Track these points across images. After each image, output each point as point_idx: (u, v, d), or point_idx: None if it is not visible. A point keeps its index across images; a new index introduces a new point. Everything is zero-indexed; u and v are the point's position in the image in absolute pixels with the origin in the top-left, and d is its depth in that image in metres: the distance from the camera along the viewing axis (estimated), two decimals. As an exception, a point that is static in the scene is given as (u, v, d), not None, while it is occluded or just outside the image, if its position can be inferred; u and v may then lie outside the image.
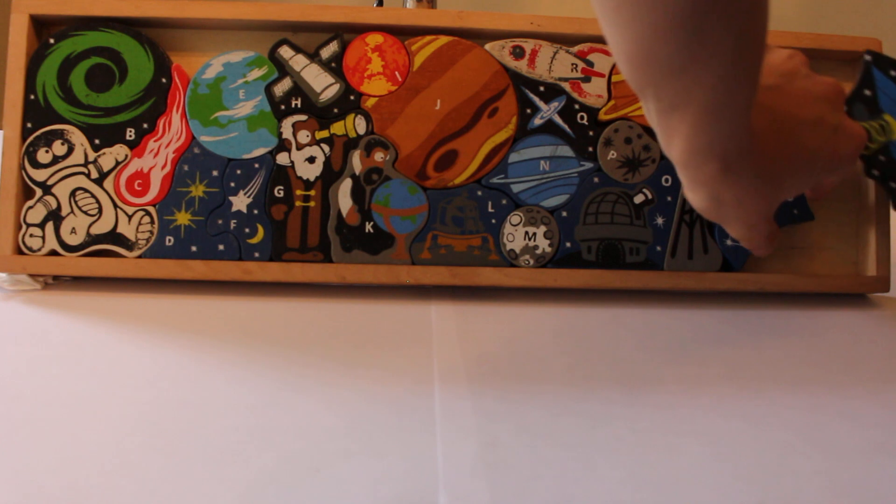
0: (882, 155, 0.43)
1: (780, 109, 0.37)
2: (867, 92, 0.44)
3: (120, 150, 0.43)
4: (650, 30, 0.31)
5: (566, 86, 0.45)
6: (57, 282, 0.44)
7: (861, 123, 0.42)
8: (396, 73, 0.44)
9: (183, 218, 0.43)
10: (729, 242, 0.45)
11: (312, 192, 0.44)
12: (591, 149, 0.45)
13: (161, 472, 0.25)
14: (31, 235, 0.42)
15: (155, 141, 0.43)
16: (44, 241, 0.42)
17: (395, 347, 0.37)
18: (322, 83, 0.44)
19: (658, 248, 0.44)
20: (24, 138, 0.43)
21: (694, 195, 0.37)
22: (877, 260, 0.46)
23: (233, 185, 0.43)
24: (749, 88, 0.33)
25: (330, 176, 0.44)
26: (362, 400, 0.31)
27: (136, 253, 0.43)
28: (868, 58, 0.44)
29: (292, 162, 0.44)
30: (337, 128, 0.44)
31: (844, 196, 0.47)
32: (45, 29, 0.44)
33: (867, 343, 0.40)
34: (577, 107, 0.45)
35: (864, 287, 0.46)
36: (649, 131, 0.45)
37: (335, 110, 0.44)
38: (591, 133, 0.45)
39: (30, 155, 0.43)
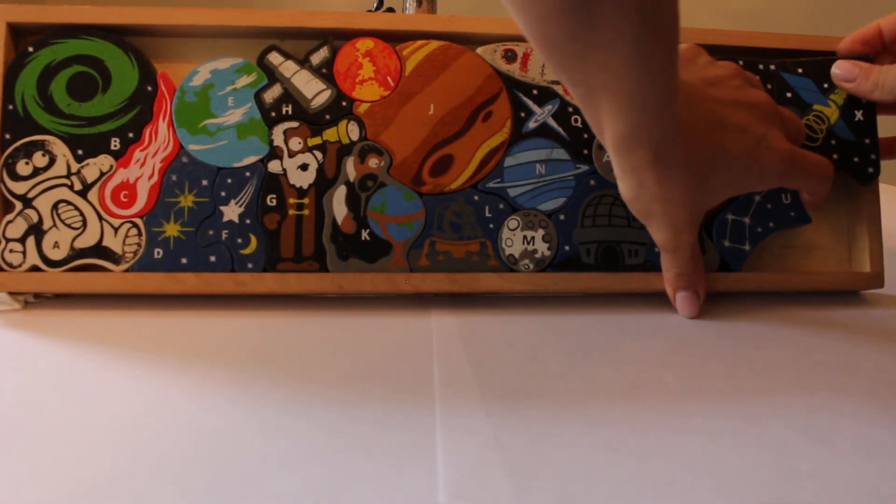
0: (832, 139, 0.46)
1: (712, 107, 0.38)
2: (788, 94, 0.46)
3: (104, 161, 0.41)
4: (540, 19, 0.32)
5: (559, 89, 0.45)
6: (38, 300, 0.42)
7: (801, 121, 0.45)
8: (388, 77, 0.44)
9: (172, 229, 0.41)
10: (727, 244, 0.45)
11: (306, 200, 0.42)
12: (586, 151, 0.45)
13: (156, 503, 0.24)
14: (10, 251, 0.40)
15: (141, 151, 0.42)
16: (24, 257, 0.40)
17: (393, 348, 0.36)
18: (313, 89, 0.43)
19: (656, 250, 0.44)
20: (2, 150, 0.41)
21: (622, 183, 0.38)
22: (870, 256, 0.46)
23: (223, 194, 0.42)
24: (663, 75, 0.33)
25: (323, 183, 0.43)
26: (360, 400, 0.30)
27: (123, 266, 0.41)
28: (773, 67, 0.47)
29: (284, 170, 0.42)
30: (329, 134, 0.43)
31: (835, 195, 0.48)
32: (22, 38, 0.43)
33: (863, 342, 0.40)
34: (570, 109, 0.45)
35: (859, 284, 0.47)
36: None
37: (327, 116, 0.43)
38: (585, 136, 0.45)
39: (8, 167, 0.41)
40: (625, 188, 0.38)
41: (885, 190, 0.49)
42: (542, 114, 0.45)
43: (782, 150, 0.40)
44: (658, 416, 0.30)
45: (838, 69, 0.46)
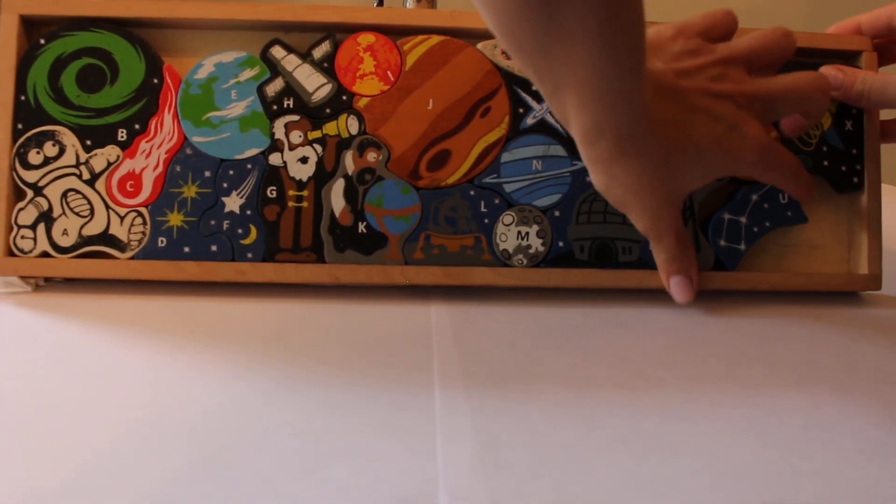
0: (824, 146, 0.46)
1: (683, 98, 0.38)
2: None
3: (112, 151, 0.43)
4: (503, 14, 0.32)
5: (558, 85, 0.45)
6: (48, 284, 0.44)
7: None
8: (388, 72, 0.44)
9: (175, 219, 0.43)
10: (722, 243, 0.45)
11: (305, 193, 0.43)
12: (583, 148, 0.45)
13: (156, 475, 0.25)
14: (22, 237, 0.42)
15: (147, 142, 0.43)
16: (35, 243, 0.42)
17: (392, 348, 0.37)
18: (314, 83, 0.44)
19: (650, 248, 0.44)
20: (14, 139, 0.43)
21: (593, 174, 0.38)
22: (868, 258, 0.46)
23: (225, 185, 0.43)
24: (628, 68, 0.33)
25: (323, 176, 0.44)
26: (360, 399, 0.31)
27: (129, 254, 0.43)
28: None
29: (285, 162, 0.44)
30: (329, 128, 0.44)
31: (836, 195, 0.47)
32: (35, 29, 0.44)
33: (863, 342, 0.41)
34: (569, 106, 0.45)
35: (856, 285, 0.46)
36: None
37: (327, 110, 0.44)
38: (583, 132, 0.45)
39: (20, 156, 0.43)
40: (596, 179, 0.38)
41: (885, 190, 0.48)
42: (540, 110, 0.45)
43: (758, 140, 0.39)
44: (658, 415, 0.31)
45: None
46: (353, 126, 0.44)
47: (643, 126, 0.36)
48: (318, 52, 0.44)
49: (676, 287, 0.42)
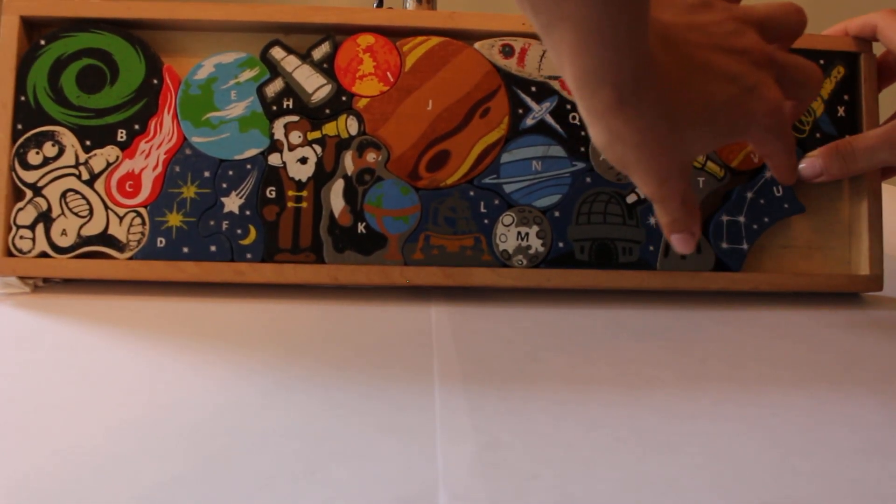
0: (817, 132, 0.46)
1: (694, 52, 0.36)
2: None
3: (111, 152, 0.43)
4: None
5: (556, 84, 0.45)
6: (47, 284, 0.44)
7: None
8: (388, 73, 0.44)
9: (174, 219, 0.43)
10: (724, 246, 0.45)
11: (304, 193, 0.43)
12: (582, 149, 0.45)
13: (155, 476, 0.25)
14: (21, 237, 0.42)
15: (146, 142, 0.43)
16: (34, 243, 0.42)
17: (392, 348, 0.37)
18: (314, 84, 0.44)
19: (651, 248, 0.44)
20: (14, 140, 0.43)
21: (591, 129, 0.35)
22: (870, 259, 0.46)
23: (225, 186, 0.43)
24: (629, 8, 0.31)
25: (322, 177, 0.44)
26: (360, 399, 0.31)
27: (128, 254, 0.43)
28: None
29: (284, 163, 0.44)
30: (329, 128, 0.44)
31: (837, 195, 0.47)
32: (35, 30, 0.44)
33: (864, 342, 0.41)
34: (568, 107, 0.45)
35: (857, 286, 0.46)
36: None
37: (327, 111, 0.44)
38: (582, 133, 0.45)
39: (20, 156, 0.42)
40: (594, 134, 0.35)
41: (886, 191, 0.48)
42: (539, 111, 0.45)
43: (776, 103, 0.37)
44: (658, 415, 0.31)
45: (801, 171, 0.45)
46: (353, 127, 0.44)
47: (647, 74, 0.33)
48: (317, 53, 0.44)
49: (678, 242, 0.39)
